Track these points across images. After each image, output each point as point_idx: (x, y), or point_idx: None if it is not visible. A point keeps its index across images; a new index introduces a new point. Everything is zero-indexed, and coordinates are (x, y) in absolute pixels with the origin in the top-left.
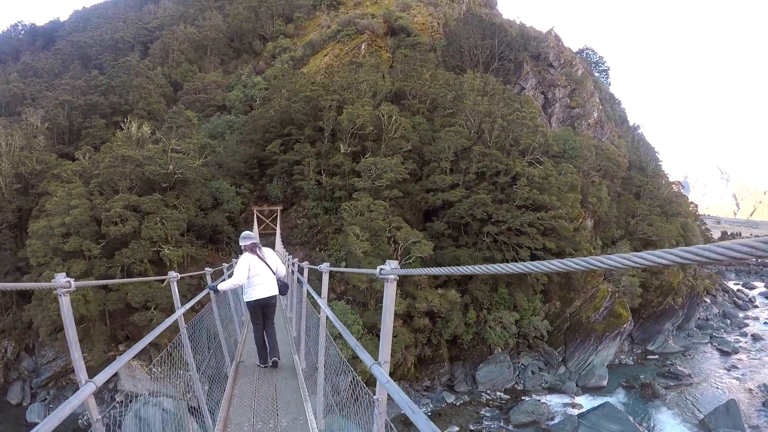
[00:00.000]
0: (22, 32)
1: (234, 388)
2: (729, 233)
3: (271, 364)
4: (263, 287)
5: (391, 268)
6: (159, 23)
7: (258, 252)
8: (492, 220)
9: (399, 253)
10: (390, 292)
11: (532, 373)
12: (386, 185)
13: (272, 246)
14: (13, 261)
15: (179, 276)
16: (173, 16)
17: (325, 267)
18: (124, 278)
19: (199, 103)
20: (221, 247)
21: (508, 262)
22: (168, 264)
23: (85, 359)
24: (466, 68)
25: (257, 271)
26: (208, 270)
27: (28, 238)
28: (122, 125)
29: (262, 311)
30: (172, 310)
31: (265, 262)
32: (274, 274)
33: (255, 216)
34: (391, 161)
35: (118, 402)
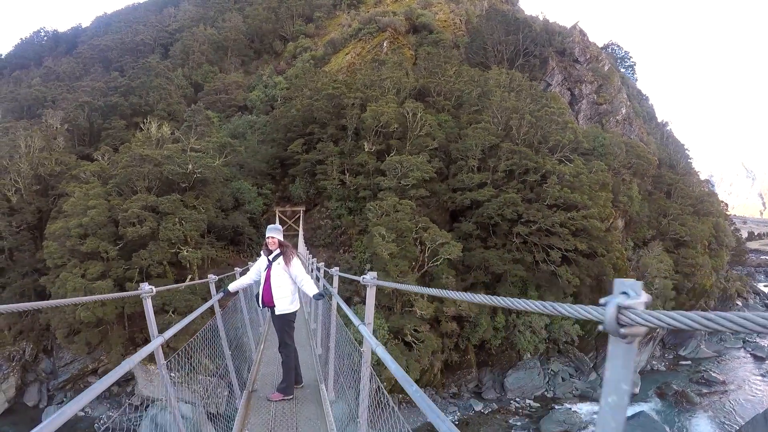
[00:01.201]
0: (45, 38)
1: (244, 428)
2: (756, 233)
3: (283, 398)
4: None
5: (371, 277)
6: (179, 26)
7: (269, 258)
8: (522, 220)
9: (426, 254)
10: (370, 293)
11: (563, 379)
12: (412, 184)
13: (295, 247)
14: (32, 262)
15: (154, 290)
16: (193, 18)
17: (371, 279)
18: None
19: (219, 103)
20: (242, 248)
21: (538, 263)
22: (188, 266)
23: (102, 362)
24: (491, 65)
25: (264, 276)
26: (212, 278)
27: (45, 239)
28: (142, 126)
29: (273, 324)
30: (188, 314)
31: (268, 278)
32: (278, 288)
33: (277, 217)
34: (417, 159)
35: (131, 406)
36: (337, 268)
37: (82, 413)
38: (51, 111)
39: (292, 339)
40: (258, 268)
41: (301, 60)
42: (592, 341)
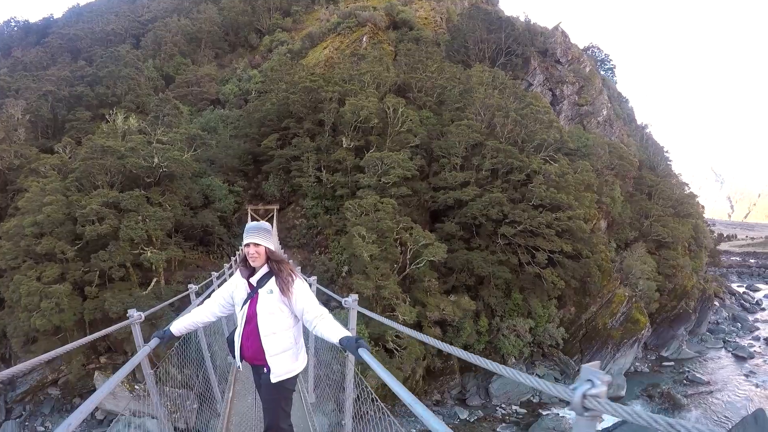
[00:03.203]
0: (15, 28)
1: None
2: (725, 236)
3: None
4: (252, 348)
5: (352, 299)
6: (152, 16)
7: (251, 281)
8: (507, 220)
9: (408, 256)
10: (351, 317)
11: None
12: (393, 182)
13: None
14: None
15: (142, 317)
16: (167, 9)
17: (352, 302)
18: (104, 284)
19: (191, 96)
20: (212, 249)
21: (523, 265)
22: (153, 269)
23: (63, 372)
24: (472, 63)
25: (243, 312)
26: (192, 288)
27: None
28: (108, 118)
29: (259, 392)
30: (154, 321)
31: (252, 318)
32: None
33: (249, 216)
34: (398, 156)
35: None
36: (355, 297)
37: (42, 428)
38: (12, 101)
39: (288, 418)
40: (227, 295)
41: (277, 53)
42: (577, 344)
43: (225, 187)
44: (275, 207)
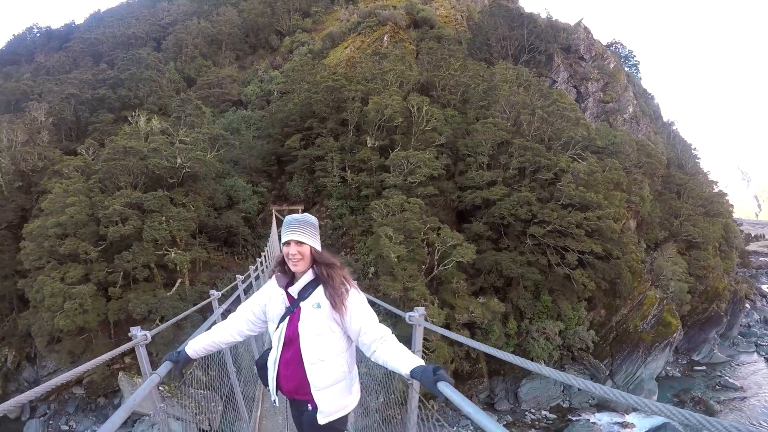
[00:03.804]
0: (38, 35)
1: None
2: (753, 235)
3: None
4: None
5: (419, 314)
6: (172, 19)
7: (290, 292)
8: (536, 220)
9: (435, 257)
10: (417, 335)
11: (578, 389)
12: (419, 181)
13: None
14: (13, 264)
15: (149, 337)
16: (186, 12)
17: (418, 317)
18: (128, 285)
19: (213, 98)
20: (237, 250)
21: (552, 266)
22: (177, 269)
23: (87, 372)
24: (495, 61)
25: (280, 332)
26: (214, 294)
27: (23, 240)
28: (130, 120)
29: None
30: (178, 324)
31: (293, 339)
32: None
33: (273, 216)
34: (424, 155)
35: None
36: (422, 311)
37: (66, 427)
38: (35, 104)
39: None
40: (258, 309)
41: (298, 54)
42: (608, 347)
43: (249, 188)
44: (300, 208)
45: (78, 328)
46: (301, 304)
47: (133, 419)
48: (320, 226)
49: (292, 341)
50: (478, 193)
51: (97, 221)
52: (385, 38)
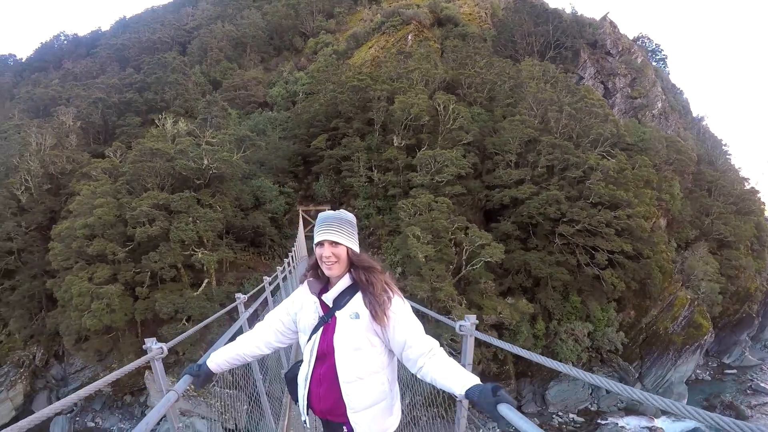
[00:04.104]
0: (65, 42)
1: None
2: None
3: None
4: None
5: (470, 323)
6: (197, 24)
7: (325, 300)
8: (565, 219)
9: (463, 257)
10: (468, 347)
11: (607, 392)
12: (447, 181)
13: None
14: (42, 264)
15: (165, 350)
16: (211, 17)
17: (470, 326)
18: (156, 285)
19: (239, 100)
20: (264, 250)
21: (581, 266)
22: (204, 270)
23: (114, 370)
24: (520, 58)
25: (312, 345)
26: (240, 297)
27: (52, 241)
28: (157, 122)
29: None
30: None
31: (327, 353)
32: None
33: (300, 217)
34: (451, 154)
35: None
36: (474, 319)
37: (93, 423)
38: (64, 108)
39: None
40: (288, 318)
41: (322, 55)
42: (637, 350)
43: (275, 189)
44: (326, 208)
45: (105, 327)
46: (337, 313)
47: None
48: None
49: (326, 356)
50: (506, 191)
51: (124, 222)
52: (409, 37)
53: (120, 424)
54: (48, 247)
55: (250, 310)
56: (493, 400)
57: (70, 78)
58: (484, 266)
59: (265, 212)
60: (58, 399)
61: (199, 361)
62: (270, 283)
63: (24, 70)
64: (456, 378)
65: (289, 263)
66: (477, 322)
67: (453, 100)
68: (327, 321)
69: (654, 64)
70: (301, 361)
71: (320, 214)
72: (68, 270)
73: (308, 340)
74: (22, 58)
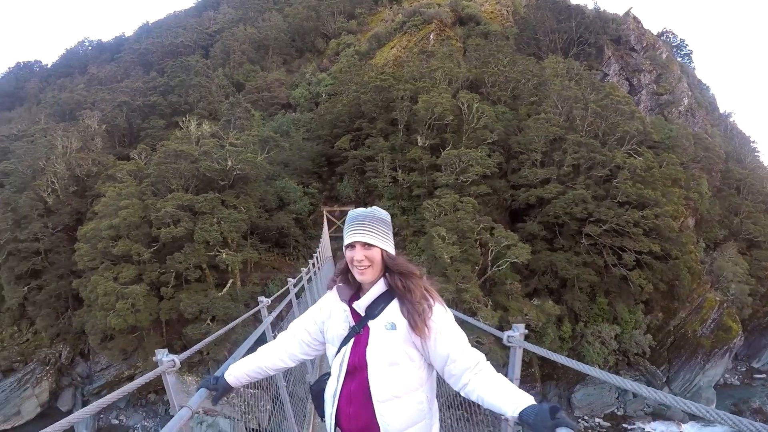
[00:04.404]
0: (89, 48)
1: None
2: None
3: None
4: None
5: (519, 333)
6: (219, 27)
7: (356, 308)
8: (592, 219)
9: (489, 258)
10: (516, 360)
11: (634, 396)
12: (472, 180)
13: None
14: (68, 264)
15: (177, 363)
16: (232, 20)
17: (519, 337)
18: (180, 285)
19: (262, 101)
20: (288, 251)
21: (608, 267)
22: (229, 270)
23: (138, 368)
24: (543, 55)
25: (342, 358)
26: (263, 301)
27: (77, 241)
28: (181, 125)
29: None
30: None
31: (358, 367)
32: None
33: (325, 218)
34: (476, 153)
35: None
36: (522, 328)
37: (117, 421)
38: (89, 112)
39: None
40: (314, 328)
41: (344, 56)
42: (665, 353)
43: (299, 189)
44: (351, 209)
45: (130, 326)
46: (370, 323)
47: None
48: None
49: (357, 371)
50: (532, 191)
51: (149, 223)
52: (431, 36)
53: (144, 422)
54: (74, 248)
55: (274, 313)
56: (551, 423)
57: (95, 82)
58: (509, 267)
59: (290, 213)
60: (83, 396)
61: (216, 373)
62: (294, 285)
63: (50, 76)
64: (507, 397)
65: (313, 264)
66: (526, 331)
67: (477, 98)
68: (359, 331)
69: (679, 59)
70: (329, 374)
71: (350, 212)
72: (94, 270)
73: (337, 353)
74: (47, 64)
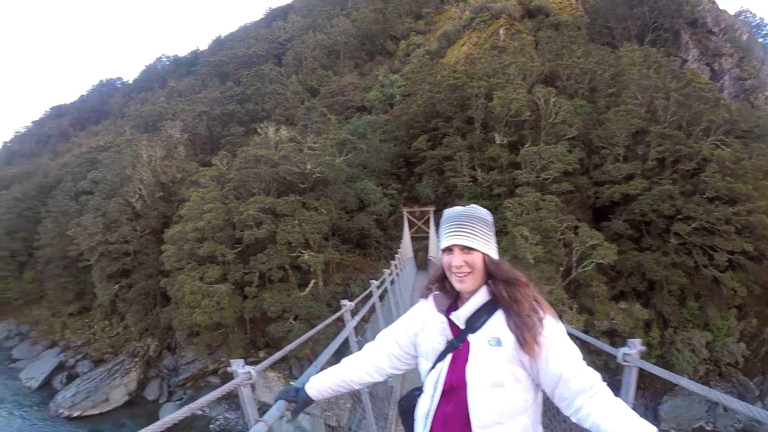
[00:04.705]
0: (167, 63)
1: None
2: None
3: None
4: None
5: (636, 351)
6: (289, 36)
7: (453, 319)
8: (680, 216)
9: (574, 259)
10: (632, 381)
11: (725, 409)
12: (554, 178)
13: (425, 251)
14: (156, 264)
15: (253, 374)
16: (302, 28)
17: (635, 354)
18: (264, 285)
19: (337, 105)
20: (370, 252)
21: (699, 268)
22: (311, 270)
23: (223, 363)
24: (618, 44)
25: (437, 376)
26: (346, 305)
27: (164, 243)
28: (259, 131)
29: None
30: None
31: (457, 386)
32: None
33: (405, 218)
34: (556, 149)
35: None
36: (640, 345)
37: (200, 412)
38: (171, 122)
39: None
40: (406, 340)
41: (415, 56)
42: (759, 363)
43: (379, 191)
44: (431, 209)
45: (215, 323)
46: (471, 337)
47: (264, 410)
48: None
49: (454, 391)
50: (616, 187)
51: (232, 226)
52: (500, 31)
53: (226, 414)
54: (161, 249)
55: (357, 317)
56: None
57: (174, 95)
58: (595, 268)
59: (370, 214)
60: (169, 387)
61: (296, 384)
62: (378, 287)
63: (131, 91)
64: (627, 426)
65: (396, 266)
66: (644, 348)
67: (553, 92)
68: (457, 347)
69: (760, 40)
70: (419, 389)
71: (447, 211)
72: (180, 270)
73: (431, 369)
74: (128, 81)
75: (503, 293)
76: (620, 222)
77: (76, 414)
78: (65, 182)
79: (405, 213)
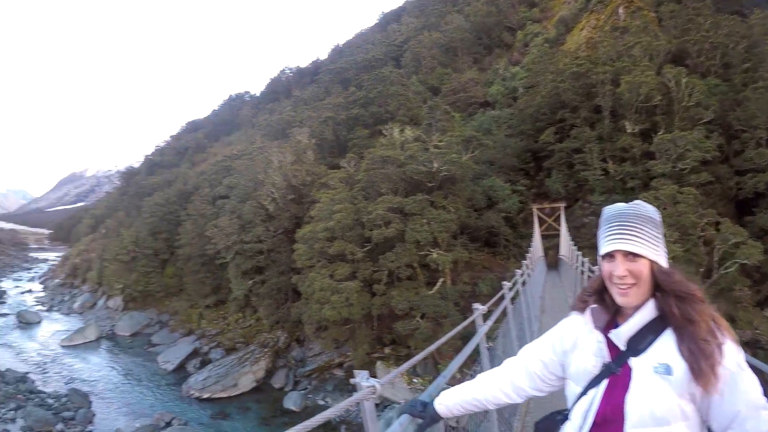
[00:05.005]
0: (290, 74)
1: None
2: None
3: None
4: None
5: None
6: (404, 38)
7: (613, 338)
8: None
9: (715, 258)
10: None
11: None
12: (691, 167)
13: (556, 249)
14: (288, 262)
15: (378, 387)
16: (416, 28)
17: None
18: (392, 283)
19: (459, 102)
20: (499, 250)
21: None
22: (439, 269)
23: (348, 358)
24: (747, 12)
25: (589, 405)
26: (479, 308)
27: (296, 242)
28: (384, 132)
29: None
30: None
31: (621, 408)
32: None
33: (535, 215)
34: (692, 136)
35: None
36: None
37: (323, 402)
38: (298, 129)
39: None
40: (553, 358)
41: (534, 46)
42: None
43: (507, 187)
44: (562, 205)
45: (343, 318)
46: (633, 362)
47: (384, 405)
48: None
49: (608, 424)
50: (760, 176)
51: (361, 225)
52: (620, 11)
53: (348, 407)
54: (293, 248)
55: (489, 322)
56: None
57: (300, 103)
58: (738, 269)
59: (499, 212)
60: (295, 377)
61: (422, 396)
62: (510, 289)
63: (259, 103)
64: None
65: (527, 266)
66: None
67: (684, 72)
68: (615, 372)
69: None
70: (561, 412)
71: (607, 209)
72: (311, 268)
73: (582, 395)
74: (256, 94)
75: (675, 310)
76: (766, 216)
77: (205, 396)
78: (203, 188)
79: (534, 210)
